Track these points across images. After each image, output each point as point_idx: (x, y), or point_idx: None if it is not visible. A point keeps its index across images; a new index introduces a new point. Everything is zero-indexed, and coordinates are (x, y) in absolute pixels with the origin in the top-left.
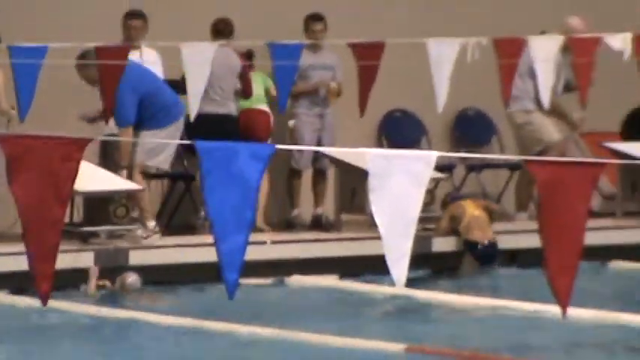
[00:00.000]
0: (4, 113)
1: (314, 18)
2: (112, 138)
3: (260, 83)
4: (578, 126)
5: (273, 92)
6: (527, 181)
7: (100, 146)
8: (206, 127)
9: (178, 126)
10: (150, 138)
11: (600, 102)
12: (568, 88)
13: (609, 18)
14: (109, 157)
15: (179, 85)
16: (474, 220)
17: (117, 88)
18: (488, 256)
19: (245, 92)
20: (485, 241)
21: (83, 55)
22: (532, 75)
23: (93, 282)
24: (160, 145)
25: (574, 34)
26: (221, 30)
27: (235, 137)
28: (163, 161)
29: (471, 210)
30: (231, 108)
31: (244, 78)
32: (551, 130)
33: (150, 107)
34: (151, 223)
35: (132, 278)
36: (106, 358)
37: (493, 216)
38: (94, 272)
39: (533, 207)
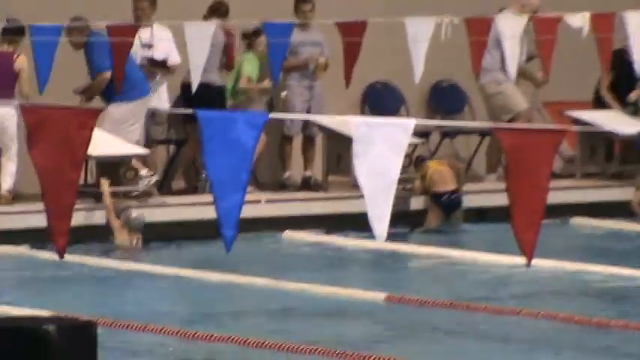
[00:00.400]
0: (26, 97)
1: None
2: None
3: (253, 63)
4: (542, 83)
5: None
6: (497, 146)
7: None
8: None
9: (145, 101)
10: (117, 109)
11: (561, 74)
12: (530, 58)
13: None
14: None
15: (161, 64)
16: (436, 174)
17: (126, 62)
18: (450, 205)
19: (227, 65)
20: (446, 189)
21: (74, 23)
22: (500, 49)
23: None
24: (129, 119)
25: (531, 10)
26: (216, 9)
27: (216, 105)
28: (133, 133)
29: (434, 166)
30: (211, 78)
31: (227, 52)
32: (519, 99)
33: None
34: (143, 171)
35: (137, 213)
36: (113, 303)
37: (459, 172)
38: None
39: (502, 170)
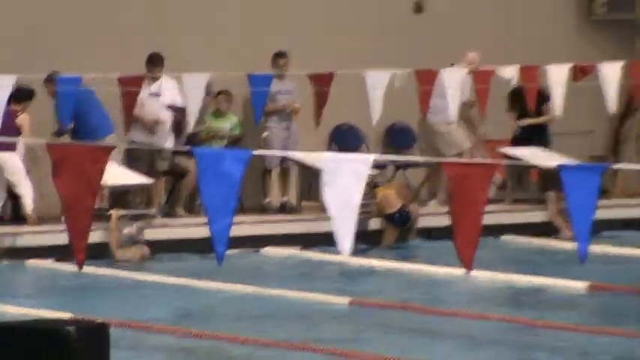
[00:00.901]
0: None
1: (279, 55)
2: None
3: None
4: (483, 136)
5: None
6: (435, 176)
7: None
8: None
9: (109, 138)
10: None
11: (495, 117)
12: (471, 105)
13: (502, 52)
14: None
15: (174, 108)
16: (384, 198)
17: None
18: (401, 221)
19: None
20: (395, 209)
21: (50, 75)
22: (445, 96)
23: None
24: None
25: (474, 66)
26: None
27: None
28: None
29: (382, 191)
30: None
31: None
32: (463, 138)
33: (86, 121)
34: (153, 210)
35: (129, 229)
36: (123, 307)
37: (407, 195)
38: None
39: (442, 195)
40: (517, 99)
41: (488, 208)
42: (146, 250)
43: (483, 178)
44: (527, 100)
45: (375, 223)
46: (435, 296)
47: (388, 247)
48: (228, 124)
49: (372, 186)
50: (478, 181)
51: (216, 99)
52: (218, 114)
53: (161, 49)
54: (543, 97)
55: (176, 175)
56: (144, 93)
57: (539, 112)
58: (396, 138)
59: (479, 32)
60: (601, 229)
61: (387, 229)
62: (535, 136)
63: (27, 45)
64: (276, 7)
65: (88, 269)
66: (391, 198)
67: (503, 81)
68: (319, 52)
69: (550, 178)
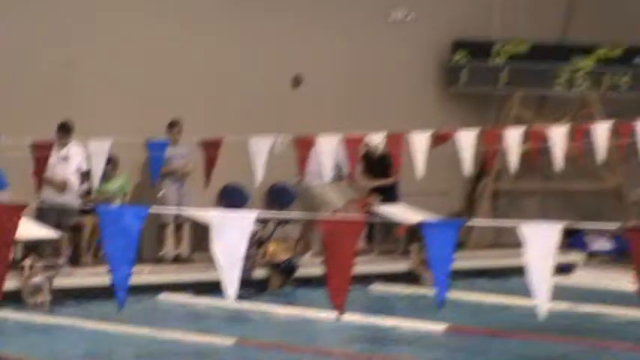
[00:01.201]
0: None
1: (173, 124)
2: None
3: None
4: (355, 194)
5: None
6: (311, 230)
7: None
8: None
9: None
10: None
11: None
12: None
13: (371, 120)
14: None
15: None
16: (272, 251)
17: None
18: (287, 270)
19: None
20: (282, 259)
21: None
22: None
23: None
24: None
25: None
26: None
27: None
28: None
29: (273, 245)
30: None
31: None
32: (337, 198)
33: None
34: (62, 260)
35: (35, 280)
36: (31, 349)
37: (288, 249)
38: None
39: (316, 247)
40: (371, 164)
41: (359, 259)
42: (52, 296)
43: (353, 233)
44: (375, 165)
45: (262, 272)
46: (310, 337)
47: (273, 293)
48: (116, 185)
49: (261, 241)
50: (349, 236)
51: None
52: (107, 178)
53: (71, 115)
54: (386, 162)
55: (80, 229)
56: (53, 157)
57: (386, 175)
58: (277, 197)
59: (351, 102)
60: (458, 277)
61: (274, 276)
62: (386, 195)
63: None
64: (171, 80)
65: (4, 313)
66: (279, 250)
67: (372, 146)
68: (209, 120)
69: (414, 233)
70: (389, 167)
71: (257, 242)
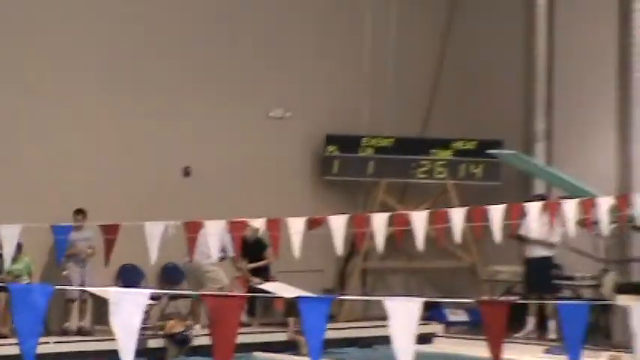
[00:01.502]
0: None
1: (78, 212)
2: None
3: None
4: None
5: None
6: (199, 305)
7: None
8: None
9: None
10: None
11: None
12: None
13: (253, 205)
14: None
15: None
16: (169, 325)
17: None
18: (181, 341)
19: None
20: (177, 331)
21: None
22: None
23: None
24: None
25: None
26: None
27: None
28: None
29: (170, 321)
30: None
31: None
32: (223, 276)
33: None
34: None
35: None
36: None
37: (186, 321)
38: None
39: (204, 320)
40: (247, 248)
41: (242, 330)
42: None
43: (236, 307)
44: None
45: (155, 342)
46: None
47: None
48: (21, 265)
49: (165, 317)
50: (232, 310)
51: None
52: (14, 259)
53: None
54: (262, 246)
55: None
56: None
57: (261, 258)
58: (169, 275)
59: (236, 190)
60: (330, 346)
61: (169, 346)
62: (260, 274)
63: None
64: (75, 171)
65: None
66: (177, 322)
67: (253, 230)
68: (110, 207)
69: (291, 306)
70: (262, 251)
71: (164, 319)
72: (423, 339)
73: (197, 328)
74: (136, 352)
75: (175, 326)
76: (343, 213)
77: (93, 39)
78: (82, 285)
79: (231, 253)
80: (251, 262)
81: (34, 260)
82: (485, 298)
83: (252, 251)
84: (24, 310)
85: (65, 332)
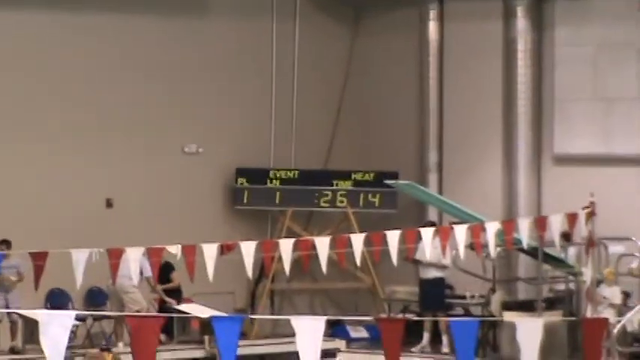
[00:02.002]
0: None
1: (2, 242)
2: None
3: None
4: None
5: None
6: (121, 325)
7: None
8: None
9: None
10: None
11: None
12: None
13: (169, 233)
14: None
15: None
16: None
17: None
18: None
19: None
20: None
21: None
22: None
23: None
24: None
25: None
26: None
27: None
28: None
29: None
30: None
31: None
32: (142, 298)
33: None
34: None
35: None
36: None
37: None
38: None
39: (127, 339)
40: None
41: (161, 348)
42: None
43: (155, 327)
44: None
45: None
46: None
47: None
48: None
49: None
50: (151, 329)
51: None
52: None
53: None
54: (170, 269)
55: None
56: None
57: (169, 280)
58: (94, 298)
59: (154, 219)
60: None
61: None
62: (174, 296)
63: None
64: (4, 204)
65: None
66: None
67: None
68: (39, 236)
69: (206, 325)
70: (170, 273)
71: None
72: (328, 354)
73: (121, 346)
74: None
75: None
76: (253, 239)
77: (16, 75)
78: (7, 309)
79: (149, 276)
80: (161, 284)
81: None
82: (383, 315)
83: (160, 274)
84: None
85: None
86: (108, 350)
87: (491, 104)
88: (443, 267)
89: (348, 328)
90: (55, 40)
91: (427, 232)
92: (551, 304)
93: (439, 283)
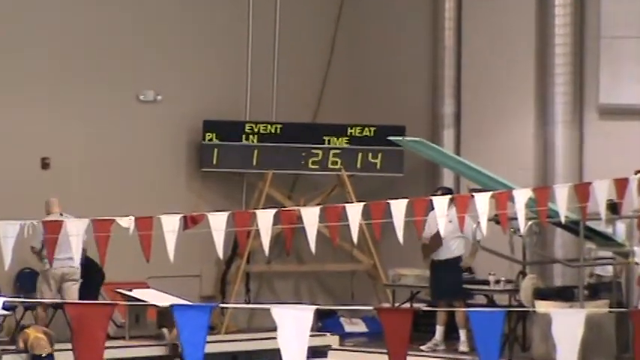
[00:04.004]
0: None
1: None
2: None
3: None
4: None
5: None
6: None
7: None
8: None
9: None
10: None
11: (116, 261)
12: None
13: (120, 202)
14: None
15: None
16: (35, 340)
17: None
18: None
19: None
20: (44, 354)
21: None
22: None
23: None
24: None
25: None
26: None
27: None
28: None
29: (33, 333)
30: None
31: None
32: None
33: None
34: None
35: None
36: None
37: (52, 338)
38: None
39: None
40: None
41: (109, 343)
42: None
43: (102, 317)
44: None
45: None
46: None
47: None
48: None
49: (21, 327)
50: (97, 320)
51: None
52: None
53: None
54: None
55: None
56: None
57: None
58: (26, 281)
59: (101, 185)
60: None
61: None
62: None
63: None
64: None
65: None
66: (43, 343)
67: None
68: None
69: (165, 316)
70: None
71: (24, 330)
72: (317, 352)
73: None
74: None
75: (39, 343)
76: (224, 210)
77: None
78: None
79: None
80: None
81: None
82: (386, 305)
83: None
84: None
85: None
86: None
87: (521, 43)
88: (463, 240)
89: (342, 320)
90: None
91: (441, 202)
92: (594, 291)
93: (455, 264)
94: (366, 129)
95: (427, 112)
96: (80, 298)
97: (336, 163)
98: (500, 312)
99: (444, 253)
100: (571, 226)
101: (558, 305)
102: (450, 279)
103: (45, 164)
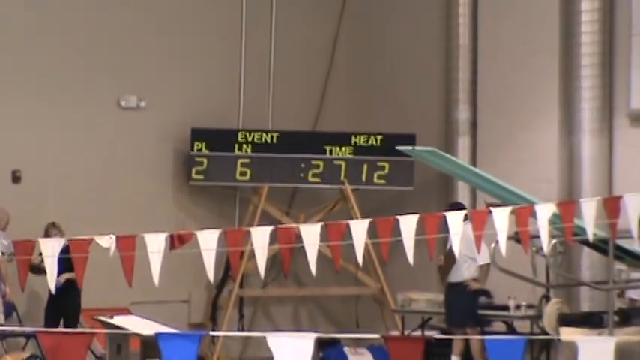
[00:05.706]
0: None
1: None
2: None
3: None
4: None
5: None
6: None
7: None
8: None
9: None
10: None
11: (96, 285)
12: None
13: (100, 220)
14: None
15: None
16: None
17: None
18: None
19: None
20: None
21: None
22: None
23: None
24: None
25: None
26: None
27: None
28: None
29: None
30: None
31: None
32: None
33: None
34: None
35: None
36: None
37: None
38: None
39: None
40: None
41: None
42: None
43: (79, 347)
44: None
45: None
46: None
47: None
48: None
49: None
50: (74, 350)
51: None
52: None
53: None
54: None
55: None
56: None
57: None
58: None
59: (79, 200)
60: None
61: None
62: None
63: None
64: None
65: None
66: None
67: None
68: None
69: (150, 346)
70: None
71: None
72: None
73: None
74: None
75: None
76: (214, 227)
77: None
78: None
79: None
80: None
81: None
82: (395, 333)
83: None
84: None
85: None
86: None
87: (544, 42)
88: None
89: (346, 350)
90: None
91: (455, 218)
92: (625, 317)
93: (469, 287)
94: (372, 138)
95: (439, 119)
96: (56, 326)
97: (338, 175)
98: (521, 340)
99: (455, 275)
100: (599, 245)
101: (585, 332)
102: (466, 303)
103: (16, 178)
